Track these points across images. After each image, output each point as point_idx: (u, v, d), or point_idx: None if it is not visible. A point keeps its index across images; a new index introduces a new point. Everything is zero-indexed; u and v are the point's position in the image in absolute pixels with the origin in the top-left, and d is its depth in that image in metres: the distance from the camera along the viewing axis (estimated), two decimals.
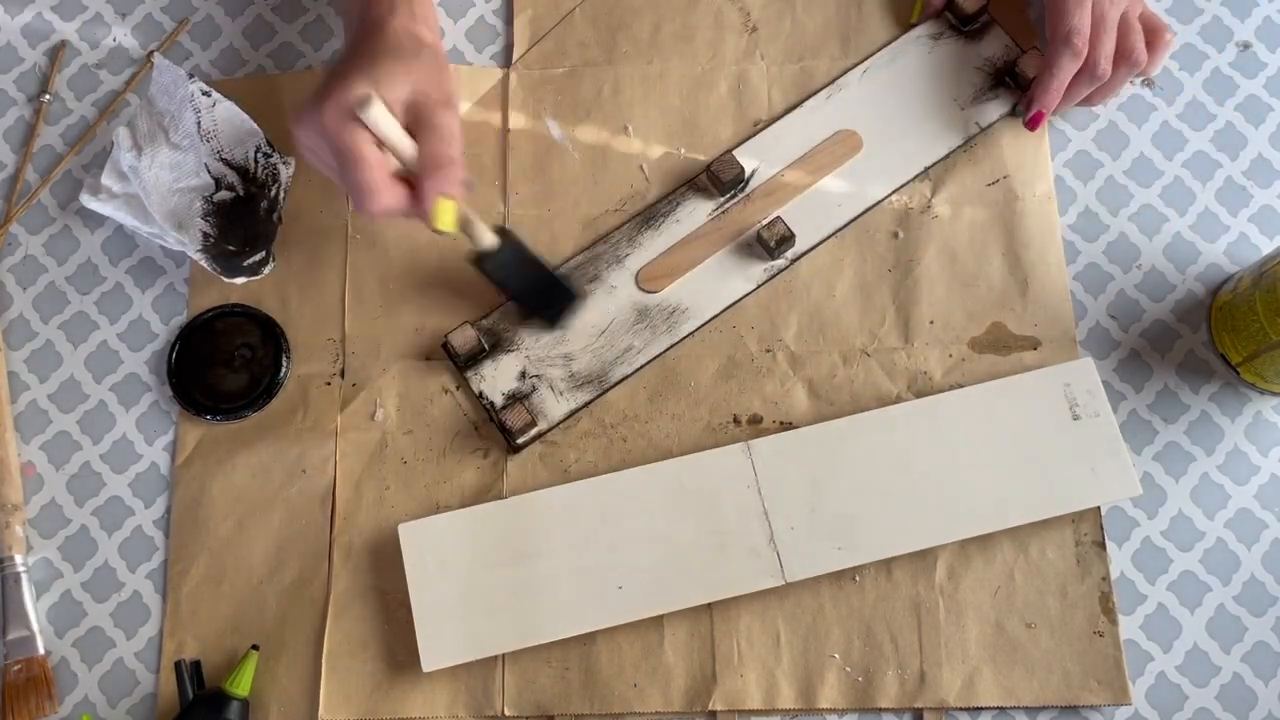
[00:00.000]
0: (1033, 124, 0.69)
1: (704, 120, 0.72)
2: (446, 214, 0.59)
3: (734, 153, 0.70)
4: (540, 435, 0.66)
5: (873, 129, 0.71)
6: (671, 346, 0.68)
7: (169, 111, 0.67)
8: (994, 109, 0.71)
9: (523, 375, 0.67)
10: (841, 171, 0.70)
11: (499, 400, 0.67)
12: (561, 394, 0.67)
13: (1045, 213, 0.70)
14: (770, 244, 0.68)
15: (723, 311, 0.68)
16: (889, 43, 0.73)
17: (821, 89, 0.72)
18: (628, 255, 0.69)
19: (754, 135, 0.71)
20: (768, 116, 0.72)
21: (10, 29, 0.76)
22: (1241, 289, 0.65)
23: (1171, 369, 0.67)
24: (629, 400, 0.67)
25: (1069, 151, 0.71)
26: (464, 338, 0.67)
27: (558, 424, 0.67)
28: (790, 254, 0.69)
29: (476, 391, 0.67)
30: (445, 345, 0.67)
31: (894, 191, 0.70)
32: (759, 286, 0.69)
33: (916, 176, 0.70)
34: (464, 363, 0.67)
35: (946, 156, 0.70)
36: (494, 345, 0.68)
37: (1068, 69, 0.67)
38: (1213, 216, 0.70)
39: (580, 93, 0.73)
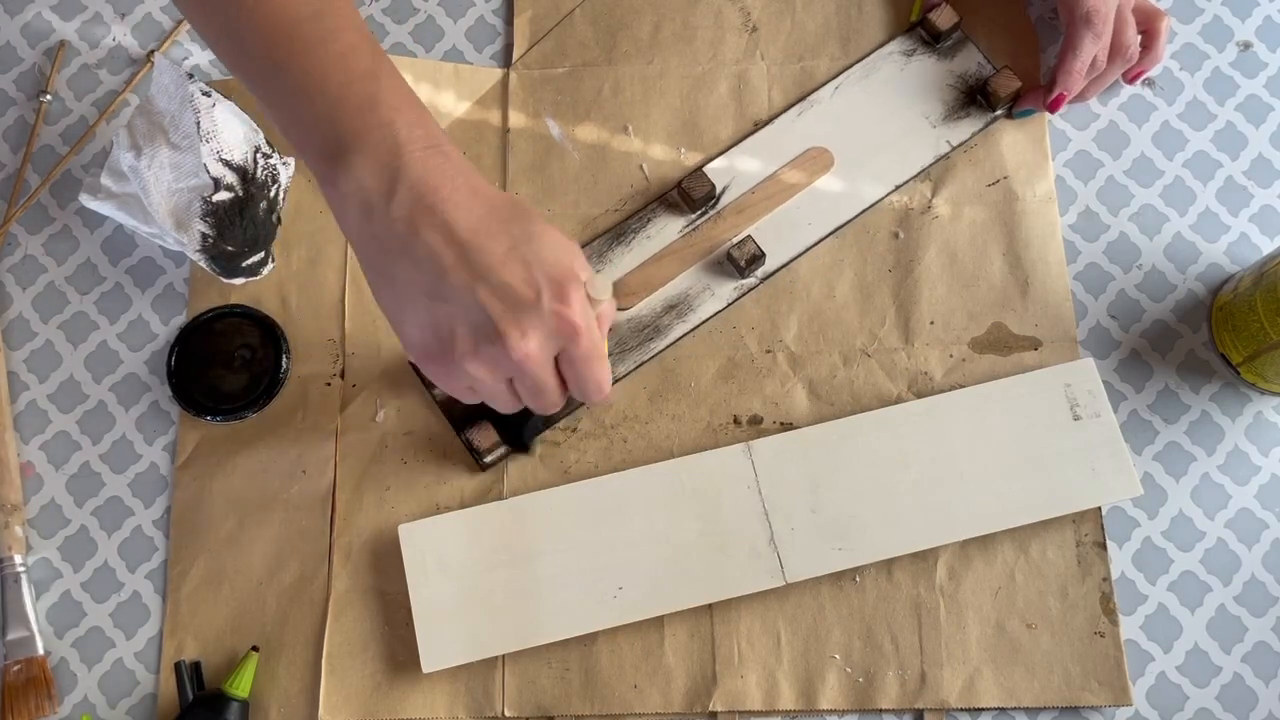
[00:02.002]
0: (1053, 106, 0.68)
1: (704, 120, 0.72)
2: None
3: (705, 169, 0.70)
4: (508, 454, 0.66)
5: (844, 146, 0.71)
6: (641, 364, 0.67)
7: (169, 111, 0.67)
8: (965, 127, 0.71)
9: None
10: (813, 189, 0.70)
11: (465, 418, 0.66)
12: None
13: (1045, 213, 0.70)
14: (741, 263, 0.67)
15: (696, 328, 0.68)
16: (883, 44, 0.73)
17: (793, 105, 0.72)
18: (598, 271, 0.69)
19: (723, 152, 0.71)
20: (768, 117, 0.72)
21: (10, 29, 0.76)
22: (1242, 289, 0.65)
23: (1172, 369, 0.67)
24: (629, 401, 0.67)
25: (1069, 151, 0.71)
26: None
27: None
28: (760, 272, 0.69)
29: (445, 410, 0.67)
30: (412, 363, 0.67)
31: (866, 210, 0.70)
32: (728, 305, 0.68)
33: (889, 193, 0.70)
34: (430, 382, 0.67)
35: (918, 174, 0.70)
36: None
37: (1088, 49, 0.66)
38: (1213, 216, 0.70)
39: (580, 93, 0.73)
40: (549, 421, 0.67)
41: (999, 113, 0.71)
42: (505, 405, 0.53)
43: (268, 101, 0.52)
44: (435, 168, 0.48)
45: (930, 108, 0.71)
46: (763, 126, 0.72)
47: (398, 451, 0.67)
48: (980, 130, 0.71)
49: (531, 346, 0.48)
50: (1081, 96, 0.70)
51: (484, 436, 0.65)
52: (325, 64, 0.49)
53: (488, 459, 0.65)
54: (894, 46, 0.73)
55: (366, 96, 0.48)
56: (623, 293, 0.68)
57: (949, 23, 0.71)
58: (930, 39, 0.72)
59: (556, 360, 0.51)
